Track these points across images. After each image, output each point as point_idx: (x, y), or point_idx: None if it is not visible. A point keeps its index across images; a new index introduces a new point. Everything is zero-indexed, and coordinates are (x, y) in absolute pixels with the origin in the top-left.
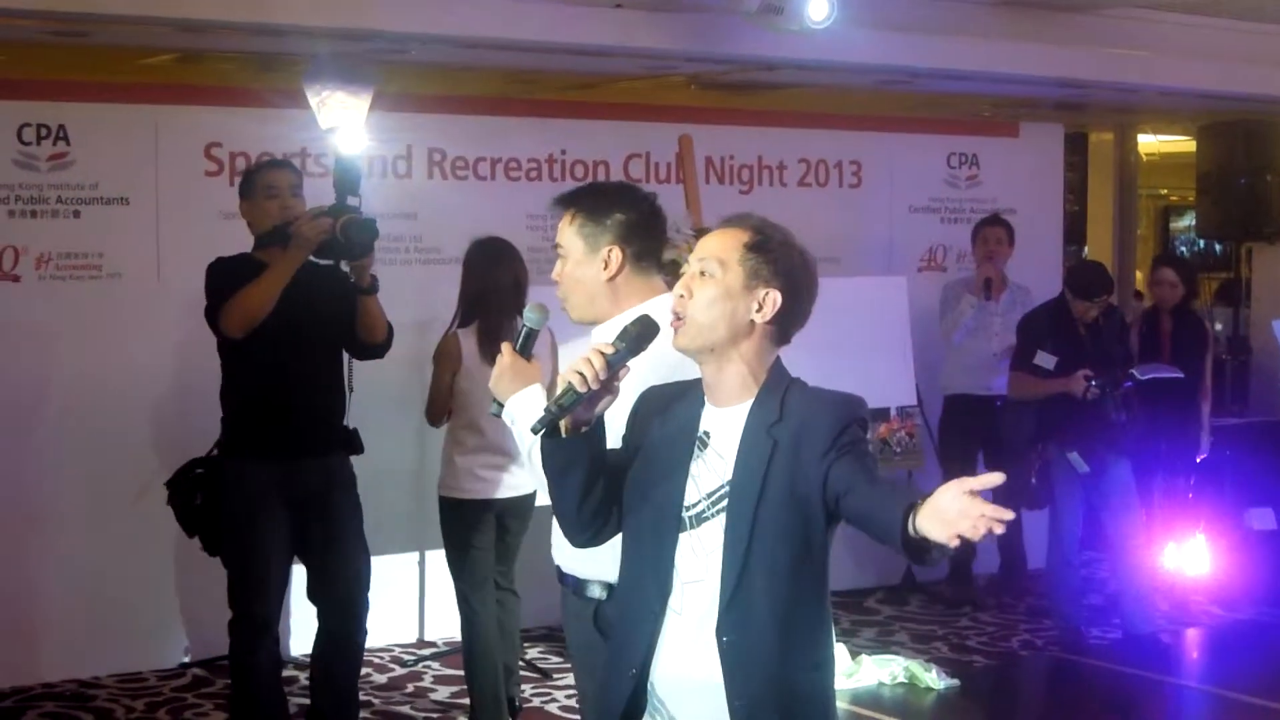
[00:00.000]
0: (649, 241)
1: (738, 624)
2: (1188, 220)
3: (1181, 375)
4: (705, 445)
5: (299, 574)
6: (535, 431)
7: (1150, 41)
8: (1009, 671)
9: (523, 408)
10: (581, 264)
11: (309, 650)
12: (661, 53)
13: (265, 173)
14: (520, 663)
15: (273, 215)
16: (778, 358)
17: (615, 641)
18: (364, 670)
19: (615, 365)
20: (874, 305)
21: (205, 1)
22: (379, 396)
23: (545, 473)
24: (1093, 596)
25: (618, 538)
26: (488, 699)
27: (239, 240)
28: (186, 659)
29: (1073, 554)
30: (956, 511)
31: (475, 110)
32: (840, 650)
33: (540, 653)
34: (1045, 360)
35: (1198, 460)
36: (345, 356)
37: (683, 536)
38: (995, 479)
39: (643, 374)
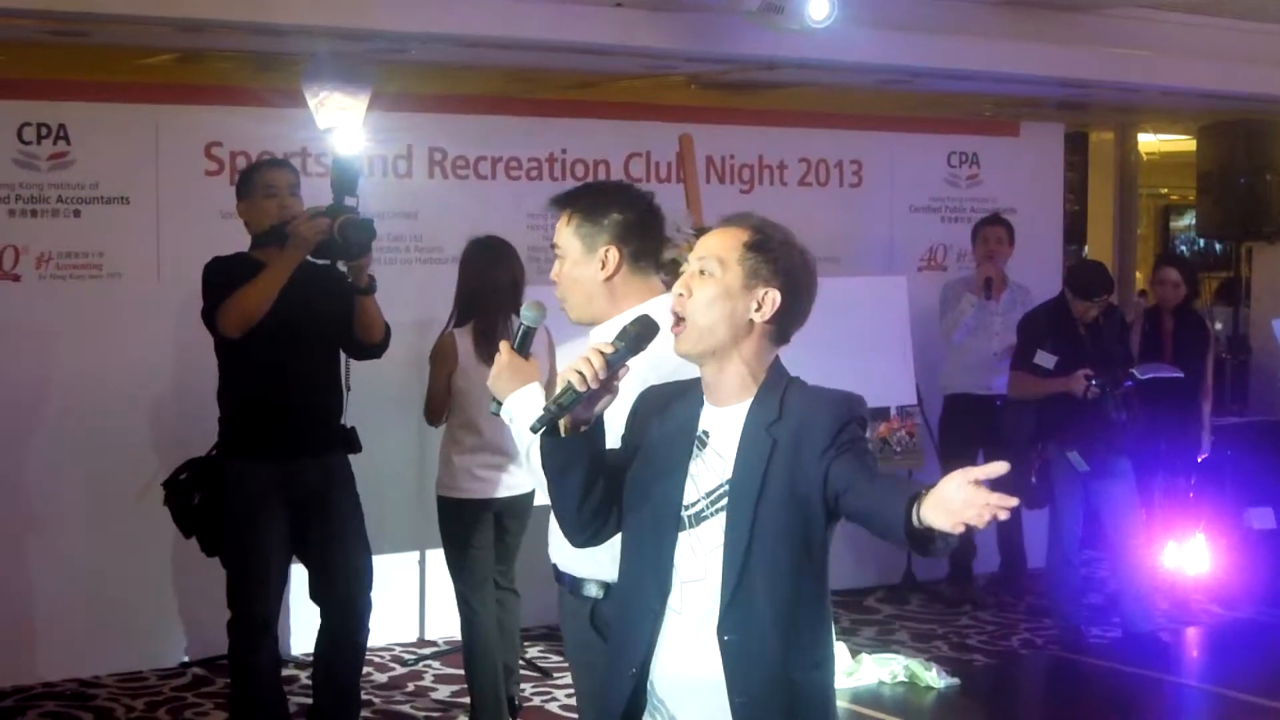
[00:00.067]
0: (646, 241)
1: (739, 623)
2: (1188, 220)
3: (1181, 375)
4: (704, 445)
5: (299, 573)
6: (534, 430)
7: (1151, 41)
8: (1009, 670)
9: (521, 406)
10: (579, 264)
11: (310, 649)
12: (662, 52)
13: (263, 172)
14: (520, 662)
15: (271, 215)
16: (777, 357)
17: (615, 641)
18: (365, 669)
19: (614, 364)
20: (874, 305)
21: (205, 1)
22: (380, 396)
23: (545, 472)
24: (1093, 595)
25: (615, 537)
26: (488, 698)
27: (239, 240)
28: (186, 659)
29: (1073, 553)
30: (961, 500)
31: (476, 110)
32: (840, 649)
33: (540, 652)
34: (1045, 360)
35: (1199, 460)
36: (343, 356)
37: (682, 536)
38: (999, 468)
39: (643, 374)
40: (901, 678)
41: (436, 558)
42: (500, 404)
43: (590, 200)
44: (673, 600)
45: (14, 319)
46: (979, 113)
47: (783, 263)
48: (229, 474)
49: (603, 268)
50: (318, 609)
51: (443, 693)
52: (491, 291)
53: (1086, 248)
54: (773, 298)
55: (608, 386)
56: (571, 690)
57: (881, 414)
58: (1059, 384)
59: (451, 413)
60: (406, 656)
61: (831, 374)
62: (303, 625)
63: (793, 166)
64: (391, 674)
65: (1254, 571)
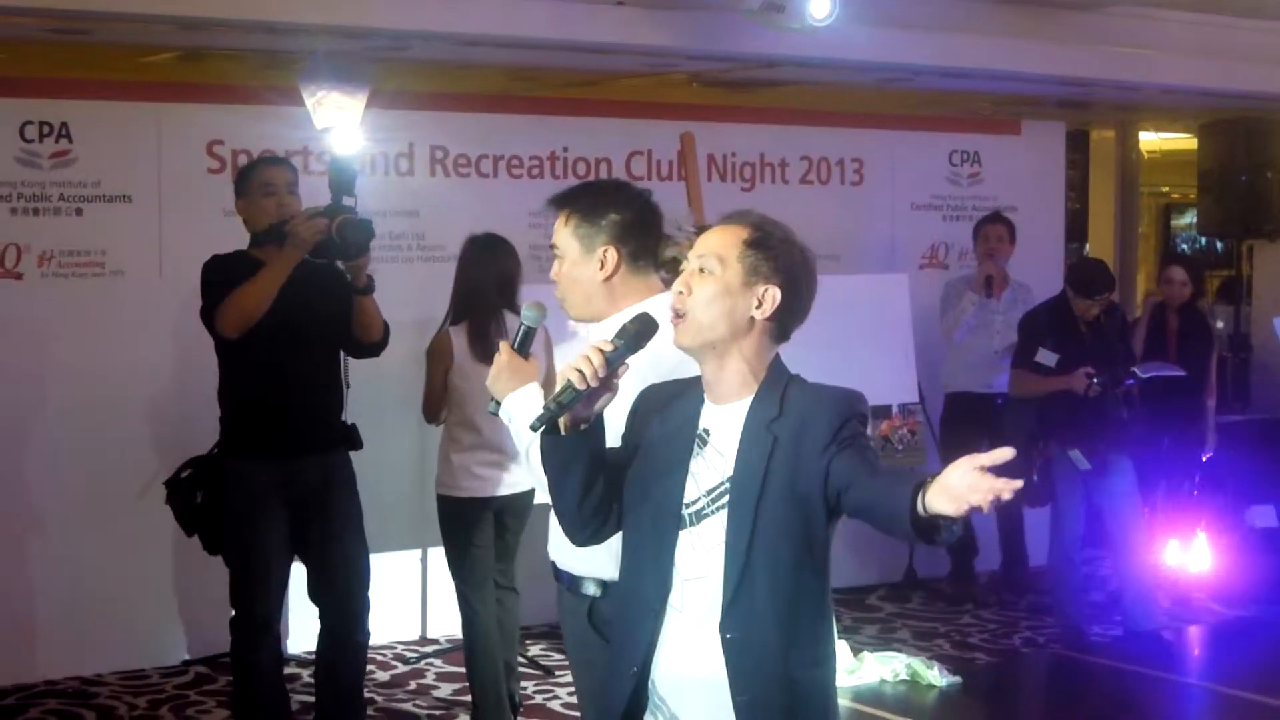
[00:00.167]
0: (645, 240)
1: (741, 620)
2: (1189, 218)
3: (1183, 373)
4: (705, 442)
5: (300, 571)
6: (534, 429)
7: (1152, 39)
8: (1011, 669)
9: (521, 405)
10: (578, 264)
11: (312, 647)
12: (663, 50)
13: (261, 170)
14: (521, 660)
15: (269, 213)
16: (777, 354)
17: (616, 640)
18: (367, 668)
19: (614, 363)
20: (875, 303)
21: None
22: (381, 394)
23: (545, 470)
24: (1094, 594)
25: (614, 536)
26: (489, 697)
27: (241, 238)
28: (188, 657)
29: (1074, 551)
30: (966, 485)
31: (477, 108)
32: (842, 647)
33: (542, 650)
34: (1046, 358)
35: (1203, 459)
36: (342, 354)
37: (682, 534)
38: (1005, 454)
39: (643, 372)
40: (903, 676)
41: (438, 556)
42: (499, 404)
43: (588, 201)
44: (673, 598)
45: (16, 317)
46: (980, 111)
47: (783, 260)
48: (229, 473)
49: (601, 268)
50: (318, 609)
51: (445, 690)
52: (486, 290)
53: (1087, 246)
54: (773, 295)
55: (607, 384)
56: (573, 688)
57: (883, 412)
58: (1060, 382)
59: (449, 411)
60: (409, 654)
61: (833, 372)
62: (305, 623)
63: (794, 164)
64: (394, 672)
65: (1255, 570)
